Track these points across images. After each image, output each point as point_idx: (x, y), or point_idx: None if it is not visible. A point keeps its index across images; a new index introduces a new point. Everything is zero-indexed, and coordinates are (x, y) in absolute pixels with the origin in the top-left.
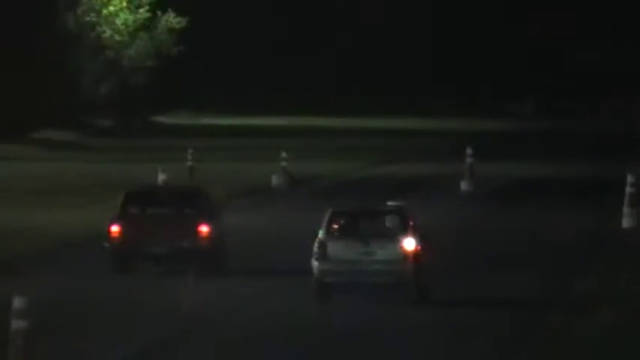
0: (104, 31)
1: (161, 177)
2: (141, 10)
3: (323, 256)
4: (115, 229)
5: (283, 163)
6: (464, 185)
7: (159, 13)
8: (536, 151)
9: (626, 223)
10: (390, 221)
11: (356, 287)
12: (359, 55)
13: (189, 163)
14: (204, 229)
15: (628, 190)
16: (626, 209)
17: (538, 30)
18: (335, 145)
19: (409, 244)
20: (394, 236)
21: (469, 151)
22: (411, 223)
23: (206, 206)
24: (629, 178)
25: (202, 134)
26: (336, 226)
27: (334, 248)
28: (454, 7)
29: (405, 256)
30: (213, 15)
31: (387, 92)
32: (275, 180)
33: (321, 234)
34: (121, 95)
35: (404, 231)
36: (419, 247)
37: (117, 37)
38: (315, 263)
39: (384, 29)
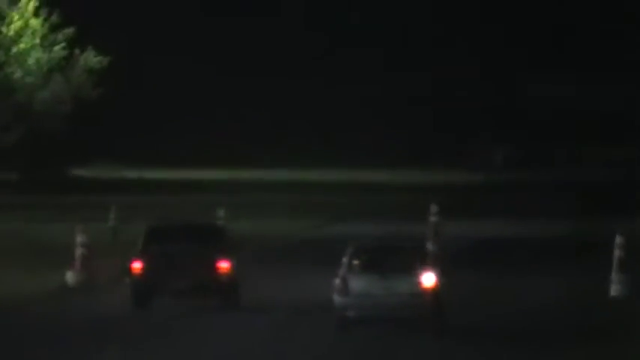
0: (13, 72)
1: (79, 239)
2: (56, 48)
3: (344, 291)
4: (137, 265)
5: (220, 223)
6: (428, 246)
7: (77, 51)
8: (507, 207)
9: (614, 291)
10: (409, 257)
11: (377, 320)
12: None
13: (112, 223)
14: (224, 265)
15: (617, 253)
16: (614, 275)
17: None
18: (280, 201)
19: (428, 279)
20: (413, 271)
21: (434, 208)
22: (430, 259)
23: (226, 242)
24: (618, 240)
25: (127, 190)
26: (356, 262)
27: (355, 283)
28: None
29: (423, 290)
30: (141, 52)
31: (339, 142)
32: None
33: (342, 270)
34: (31, 144)
35: (423, 266)
36: (437, 282)
37: (28, 79)
38: (337, 298)
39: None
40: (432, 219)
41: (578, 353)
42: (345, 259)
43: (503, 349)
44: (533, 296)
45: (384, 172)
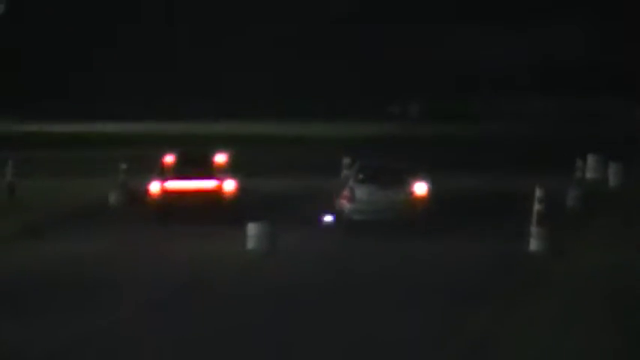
0: None
1: None
2: None
3: (352, 199)
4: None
5: (122, 178)
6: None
7: None
8: (426, 160)
9: (533, 245)
10: (404, 173)
11: (377, 222)
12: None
13: (9, 179)
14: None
15: (536, 207)
16: (533, 229)
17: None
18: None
19: (420, 188)
20: (407, 183)
21: (346, 160)
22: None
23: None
24: (538, 193)
25: (29, 144)
26: (361, 176)
27: (360, 193)
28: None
29: (415, 198)
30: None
31: (248, 95)
32: (113, 198)
33: (350, 182)
34: None
35: (415, 179)
36: (427, 191)
37: None
38: (345, 205)
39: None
40: (345, 172)
41: (488, 309)
42: (351, 174)
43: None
44: (452, 251)
45: (298, 125)
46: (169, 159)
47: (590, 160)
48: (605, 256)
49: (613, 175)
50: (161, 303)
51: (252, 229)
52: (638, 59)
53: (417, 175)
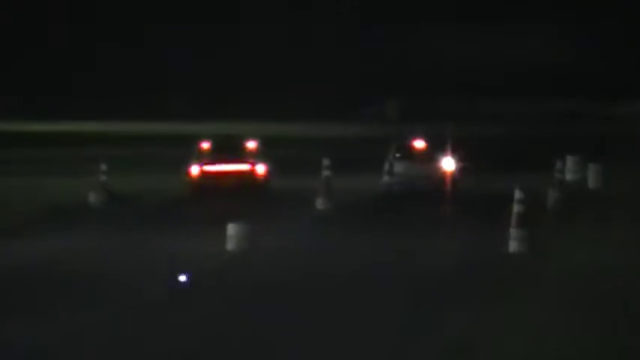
0: None
1: None
2: None
3: (391, 173)
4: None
5: (102, 178)
6: (319, 203)
7: None
8: None
9: (513, 246)
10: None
11: (412, 192)
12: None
13: None
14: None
15: (515, 208)
16: (513, 230)
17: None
18: (165, 155)
19: (448, 163)
20: (437, 158)
21: (326, 162)
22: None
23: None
24: (517, 195)
25: (8, 143)
26: (398, 154)
27: (398, 167)
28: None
29: (444, 172)
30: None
31: (227, 96)
32: (93, 197)
33: (389, 159)
34: None
35: (444, 155)
36: (456, 167)
37: None
38: (385, 178)
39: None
40: (325, 173)
41: (466, 310)
42: (391, 152)
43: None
44: (431, 251)
45: (278, 125)
46: (206, 145)
47: (569, 161)
48: (585, 257)
49: (592, 176)
50: (139, 303)
51: (231, 229)
52: (615, 61)
53: (446, 152)
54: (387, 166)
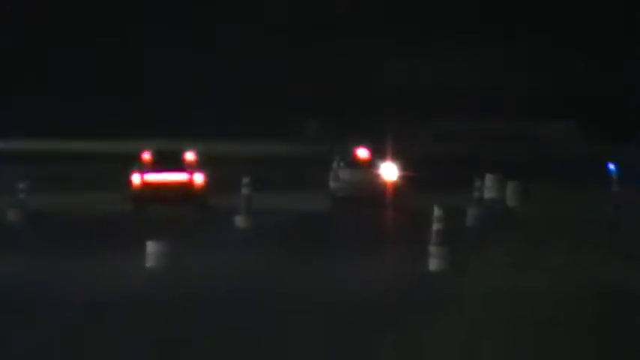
0: None
1: None
2: None
3: (337, 179)
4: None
5: (21, 195)
6: (239, 221)
7: None
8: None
9: (433, 264)
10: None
11: (355, 197)
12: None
13: None
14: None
15: (435, 226)
16: (433, 249)
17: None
18: (85, 173)
19: (388, 171)
20: (376, 166)
21: (245, 180)
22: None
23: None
24: (437, 212)
25: None
26: (342, 163)
27: (343, 174)
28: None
29: (382, 179)
30: None
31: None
32: (11, 215)
33: (335, 167)
34: None
35: (384, 162)
36: (396, 174)
37: None
38: (332, 184)
39: None
40: (244, 191)
41: (382, 332)
42: (337, 160)
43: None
44: (349, 271)
45: (199, 143)
46: (147, 156)
47: (488, 179)
48: (503, 276)
49: (511, 194)
50: (55, 323)
51: (150, 246)
52: (545, 81)
53: (387, 161)
54: (332, 174)
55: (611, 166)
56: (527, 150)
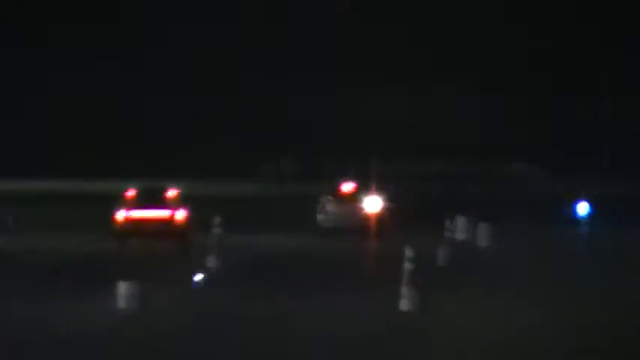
0: None
1: None
2: None
3: (324, 212)
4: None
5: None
6: (211, 261)
7: None
8: (290, 218)
9: (404, 305)
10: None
11: (342, 230)
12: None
13: None
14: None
15: (406, 266)
16: (404, 289)
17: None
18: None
19: (372, 204)
20: (364, 201)
21: (217, 220)
22: (378, 193)
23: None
24: (408, 253)
25: None
26: (330, 197)
27: (330, 208)
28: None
29: (368, 213)
30: None
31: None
32: None
33: (323, 200)
34: None
35: (370, 197)
36: (381, 208)
37: None
38: (320, 216)
39: None
40: (215, 231)
41: None
42: (324, 197)
43: None
44: (321, 310)
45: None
46: (131, 193)
47: (459, 220)
48: (474, 317)
49: (482, 235)
50: None
51: (122, 287)
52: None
53: (372, 192)
54: (320, 207)
55: (581, 206)
56: (494, 190)
